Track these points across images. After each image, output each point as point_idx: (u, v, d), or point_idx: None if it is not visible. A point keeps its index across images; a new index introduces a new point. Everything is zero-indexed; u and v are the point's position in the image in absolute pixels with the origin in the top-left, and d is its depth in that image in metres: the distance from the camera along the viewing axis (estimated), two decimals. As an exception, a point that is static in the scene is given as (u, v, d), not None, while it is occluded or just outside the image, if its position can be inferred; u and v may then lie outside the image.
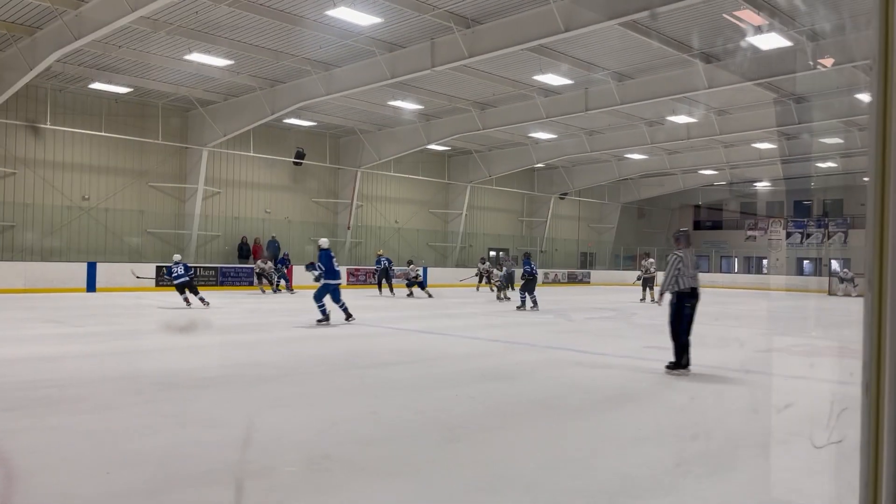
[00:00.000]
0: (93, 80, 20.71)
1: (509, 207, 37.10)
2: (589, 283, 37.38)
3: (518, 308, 16.27)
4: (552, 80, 20.03)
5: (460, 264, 32.09)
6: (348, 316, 12.34)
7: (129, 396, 5.93)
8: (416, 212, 32.37)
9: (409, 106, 23.69)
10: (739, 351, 10.13)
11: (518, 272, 19.83)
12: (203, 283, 22.03)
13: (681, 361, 7.50)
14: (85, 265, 20.27)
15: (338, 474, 3.97)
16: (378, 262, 22.78)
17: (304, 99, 20.74)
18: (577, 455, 4.50)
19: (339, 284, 12.68)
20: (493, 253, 34.36)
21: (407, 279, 22.54)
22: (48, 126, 21.09)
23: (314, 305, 11.95)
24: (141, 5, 13.48)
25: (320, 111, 24.67)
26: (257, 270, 22.44)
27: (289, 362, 8.11)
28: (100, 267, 20.57)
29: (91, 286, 19.96)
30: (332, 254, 12.29)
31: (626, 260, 40.94)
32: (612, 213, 41.61)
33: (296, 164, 26.88)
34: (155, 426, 4.93)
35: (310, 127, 27.04)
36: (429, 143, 26.83)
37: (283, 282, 22.91)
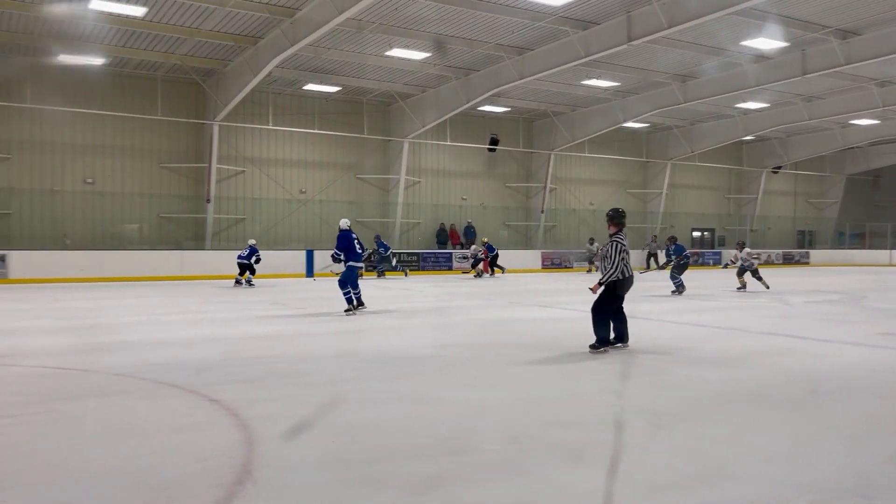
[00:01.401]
0: (307, 83, 22.53)
1: (714, 184, 34.87)
2: (808, 263, 34.13)
3: (673, 293, 15.21)
4: (763, 44, 18.45)
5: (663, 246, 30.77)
6: (358, 305, 11.26)
7: (347, 372, 6.39)
8: (612, 193, 31.52)
9: (603, 84, 23.06)
10: None
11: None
12: (407, 267, 23.30)
13: (604, 342, 7.43)
14: (303, 252, 22.19)
15: (540, 455, 3.96)
16: (490, 248, 23.11)
17: (498, 85, 20.96)
18: (800, 449, 4.11)
19: (361, 270, 11.69)
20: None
21: (474, 258, 22.72)
22: (270, 127, 23.29)
23: (537, 287, 11.76)
24: (347, 6, 14.40)
25: (513, 96, 24.81)
26: (471, 255, 23.01)
27: (487, 343, 8.26)
28: (316, 254, 22.39)
29: (309, 271, 21.81)
30: (354, 234, 11.36)
31: (854, 238, 36.78)
32: (834, 186, 37.58)
33: (490, 150, 27.30)
34: (371, 400, 5.26)
35: (503, 112, 27.31)
36: (625, 120, 25.95)
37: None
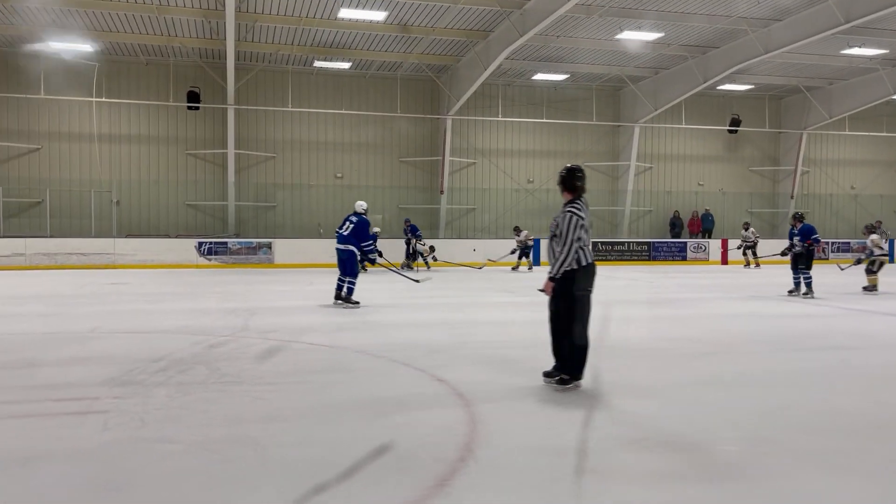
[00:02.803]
0: (535, 72, 22.69)
1: None
2: None
3: (791, 293, 12.37)
4: None
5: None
6: (343, 297, 10.28)
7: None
8: (878, 174, 27.77)
9: (868, 52, 20.33)
10: None
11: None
12: (635, 257, 22.61)
13: (578, 372, 5.21)
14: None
15: (782, 460, 3.63)
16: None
17: (740, 61, 19.46)
18: None
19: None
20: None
21: (523, 247, 19.70)
22: (499, 119, 23.82)
23: (787, 279, 10.64)
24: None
25: (758, 72, 22.80)
26: (518, 244, 19.77)
27: (723, 339, 7.72)
28: (543, 243, 22.52)
29: (536, 260, 21.98)
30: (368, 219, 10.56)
31: None
32: None
33: (731, 132, 25.41)
34: (591, 390, 5.18)
35: (746, 91, 25.24)
36: (895, 92, 22.67)
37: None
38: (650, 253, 23.43)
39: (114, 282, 14.68)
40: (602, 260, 22.44)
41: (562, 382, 5.17)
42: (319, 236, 21.23)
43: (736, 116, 24.98)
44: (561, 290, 5.16)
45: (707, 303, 11.57)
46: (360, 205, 10.80)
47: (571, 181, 5.31)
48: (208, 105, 21.24)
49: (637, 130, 24.39)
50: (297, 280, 15.58)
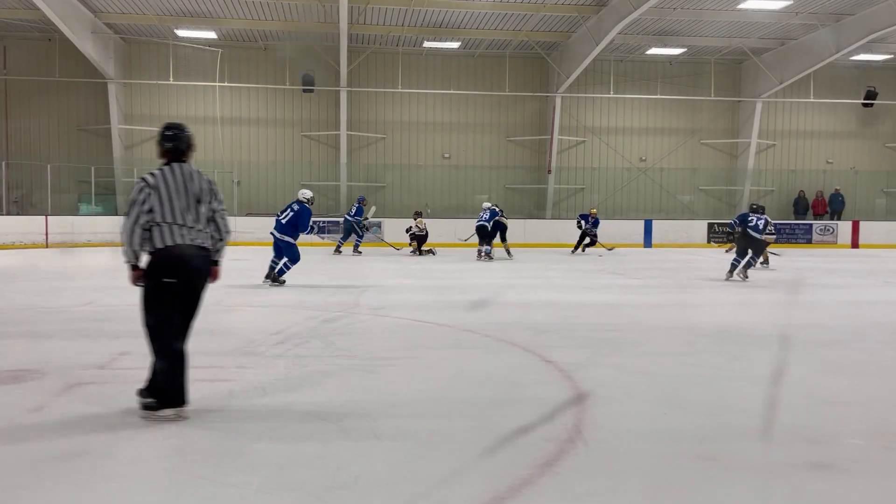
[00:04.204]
0: (649, 47, 21.87)
1: None
2: None
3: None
4: None
5: None
6: (271, 277, 10.12)
7: (682, 346, 6.15)
8: None
9: None
10: None
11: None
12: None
13: (169, 392, 3.82)
14: (642, 222, 21.80)
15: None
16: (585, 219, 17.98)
17: (878, 29, 18.02)
18: None
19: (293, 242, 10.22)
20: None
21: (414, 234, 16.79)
22: (611, 95, 23.16)
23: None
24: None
25: (897, 40, 21.00)
26: (588, 230, 17.91)
27: (849, 327, 7.24)
28: (655, 224, 21.84)
29: (647, 242, 21.37)
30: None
31: None
32: None
33: (865, 105, 23.55)
34: (704, 376, 5.01)
35: (884, 61, 23.29)
36: None
37: None
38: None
39: (234, 258, 15.49)
40: (721, 243, 21.54)
41: (147, 408, 3.85)
42: (427, 216, 21.53)
43: (872, 89, 23.09)
44: (149, 285, 3.84)
45: (840, 290, 10.88)
46: (304, 193, 10.61)
47: (158, 142, 4.10)
48: (322, 88, 21.88)
49: (759, 106, 23.07)
50: (403, 259, 15.87)
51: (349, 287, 10.18)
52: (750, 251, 11.27)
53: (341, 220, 18.74)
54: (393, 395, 4.44)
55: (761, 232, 11.18)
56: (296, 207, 10.35)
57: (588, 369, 5.15)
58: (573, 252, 18.04)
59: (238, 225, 20.12)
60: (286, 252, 10.22)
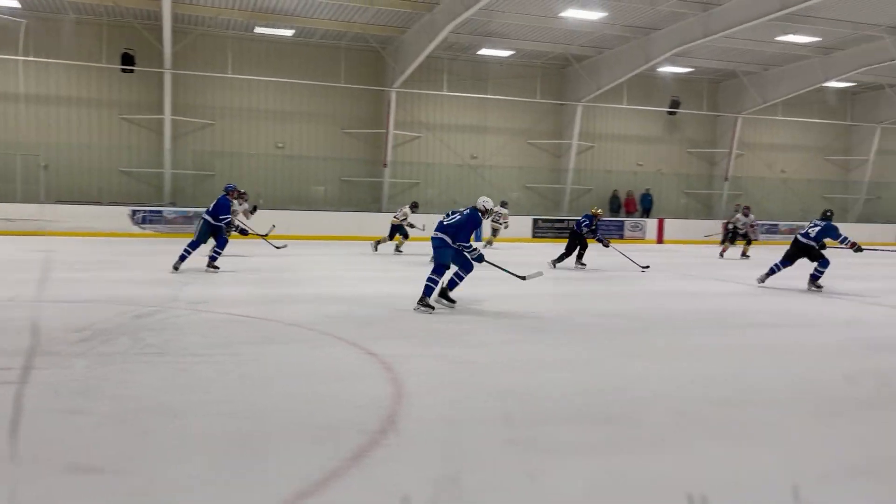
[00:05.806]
0: (480, 47, 22.61)
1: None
2: None
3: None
4: None
5: (863, 219, 27.71)
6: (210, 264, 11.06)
7: (506, 335, 6.43)
8: (808, 159, 28.81)
9: (802, 39, 20.96)
10: None
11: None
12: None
13: None
14: (473, 217, 22.50)
15: (691, 431, 3.79)
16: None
17: (681, 44, 19.79)
18: None
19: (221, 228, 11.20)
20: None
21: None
22: (444, 93, 23.68)
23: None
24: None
25: (697, 55, 23.26)
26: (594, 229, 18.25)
27: (656, 315, 7.94)
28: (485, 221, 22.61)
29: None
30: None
31: None
32: None
33: (670, 113, 25.92)
34: (523, 362, 5.28)
35: (686, 73, 25.74)
36: (827, 79, 23.45)
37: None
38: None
39: (41, 249, 14.13)
40: (542, 237, 22.79)
41: None
42: (260, 207, 20.87)
43: (675, 98, 25.48)
44: None
45: (643, 280, 11.87)
46: (229, 187, 11.76)
47: None
48: (143, 68, 20.46)
49: (580, 109, 24.63)
50: (232, 252, 15.27)
51: (169, 280, 9.63)
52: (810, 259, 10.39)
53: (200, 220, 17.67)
54: (204, 393, 4.26)
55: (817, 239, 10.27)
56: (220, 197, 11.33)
57: (410, 360, 5.23)
58: (558, 263, 14.20)
59: (46, 213, 18.39)
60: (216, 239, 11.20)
